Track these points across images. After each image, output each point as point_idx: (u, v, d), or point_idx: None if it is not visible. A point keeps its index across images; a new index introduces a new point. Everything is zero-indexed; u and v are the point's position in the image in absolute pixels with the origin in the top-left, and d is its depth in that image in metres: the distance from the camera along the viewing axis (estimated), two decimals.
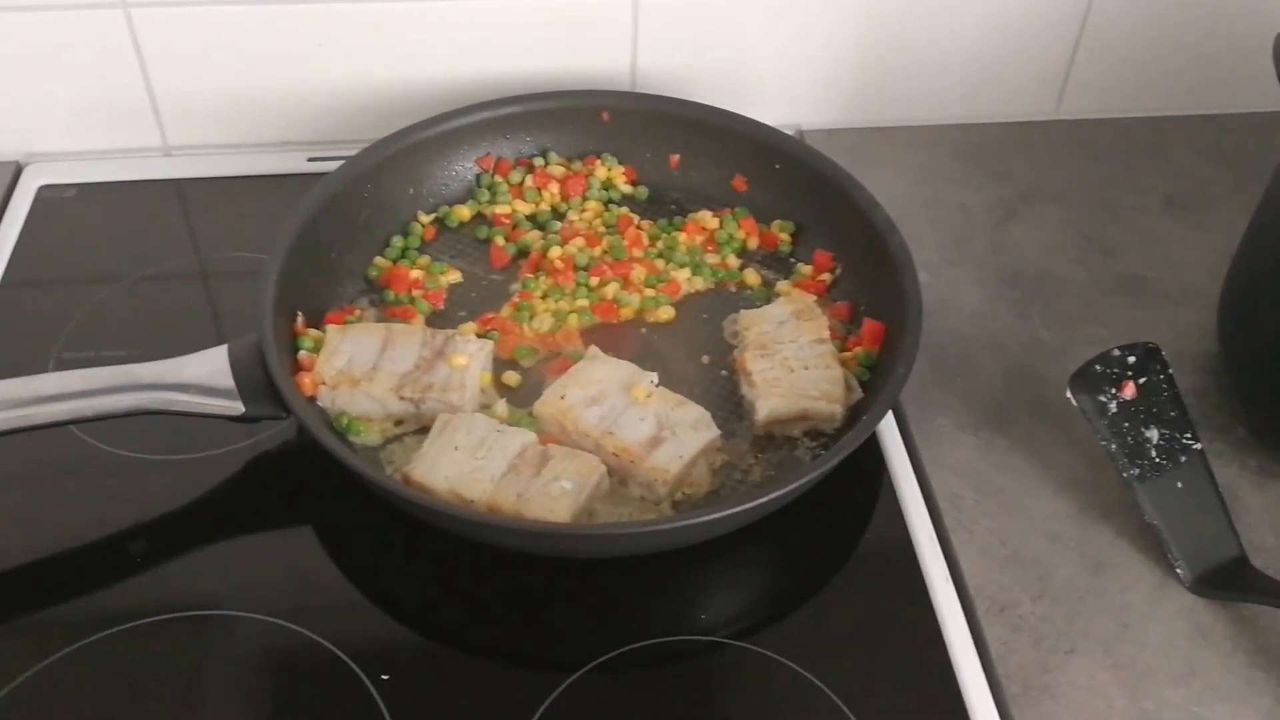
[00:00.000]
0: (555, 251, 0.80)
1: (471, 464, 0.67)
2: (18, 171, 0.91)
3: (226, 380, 0.68)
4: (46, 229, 0.87)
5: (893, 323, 0.72)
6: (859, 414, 0.70)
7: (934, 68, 0.92)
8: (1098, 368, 0.67)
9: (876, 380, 0.71)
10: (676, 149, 0.86)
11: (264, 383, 0.68)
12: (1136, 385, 0.67)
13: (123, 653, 0.63)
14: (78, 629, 0.63)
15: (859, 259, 0.78)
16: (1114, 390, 0.67)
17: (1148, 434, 0.67)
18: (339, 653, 0.62)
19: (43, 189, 0.90)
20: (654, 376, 0.71)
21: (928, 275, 0.81)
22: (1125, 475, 0.66)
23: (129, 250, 0.86)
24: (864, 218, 0.76)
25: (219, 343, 0.69)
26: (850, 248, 0.79)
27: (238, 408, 0.68)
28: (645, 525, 0.65)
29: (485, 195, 0.85)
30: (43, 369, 0.76)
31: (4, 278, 0.83)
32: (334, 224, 0.78)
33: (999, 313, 0.81)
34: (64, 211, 0.89)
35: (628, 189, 0.86)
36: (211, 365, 0.68)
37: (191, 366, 0.68)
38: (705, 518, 0.63)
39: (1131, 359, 0.67)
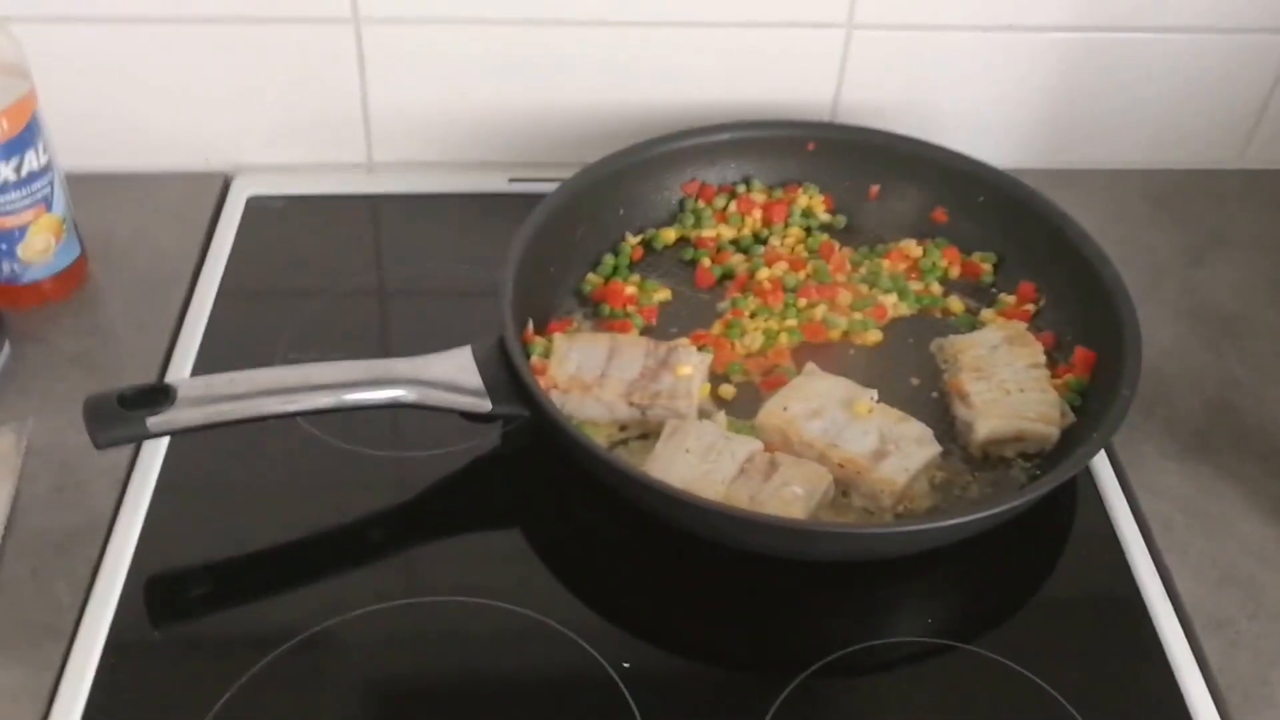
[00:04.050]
0: (764, 273, 0.90)
1: (703, 467, 0.76)
2: (227, 184, 1.03)
3: (474, 378, 0.78)
4: (258, 239, 0.98)
5: (1103, 351, 0.81)
6: (1071, 437, 0.78)
7: (1122, 113, 1.03)
8: None
9: (1090, 405, 0.80)
10: (877, 179, 0.96)
11: (507, 381, 0.77)
12: None
13: (355, 639, 0.71)
14: (313, 616, 0.71)
15: (1064, 290, 0.87)
16: None
17: None
18: (578, 639, 0.71)
19: (254, 200, 1.01)
20: (874, 393, 0.80)
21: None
22: None
23: (335, 262, 0.96)
24: (1073, 249, 0.86)
25: (431, 351, 0.78)
26: (1055, 279, 0.88)
27: (485, 405, 0.77)
28: (893, 526, 0.75)
29: (690, 219, 0.95)
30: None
31: (221, 286, 0.93)
32: (553, 240, 0.88)
33: (1194, 350, 0.90)
34: (273, 223, 1.00)
35: (826, 217, 0.96)
36: (458, 363, 0.78)
37: (439, 364, 0.78)
38: (946, 523, 0.72)
39: None
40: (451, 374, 0.78)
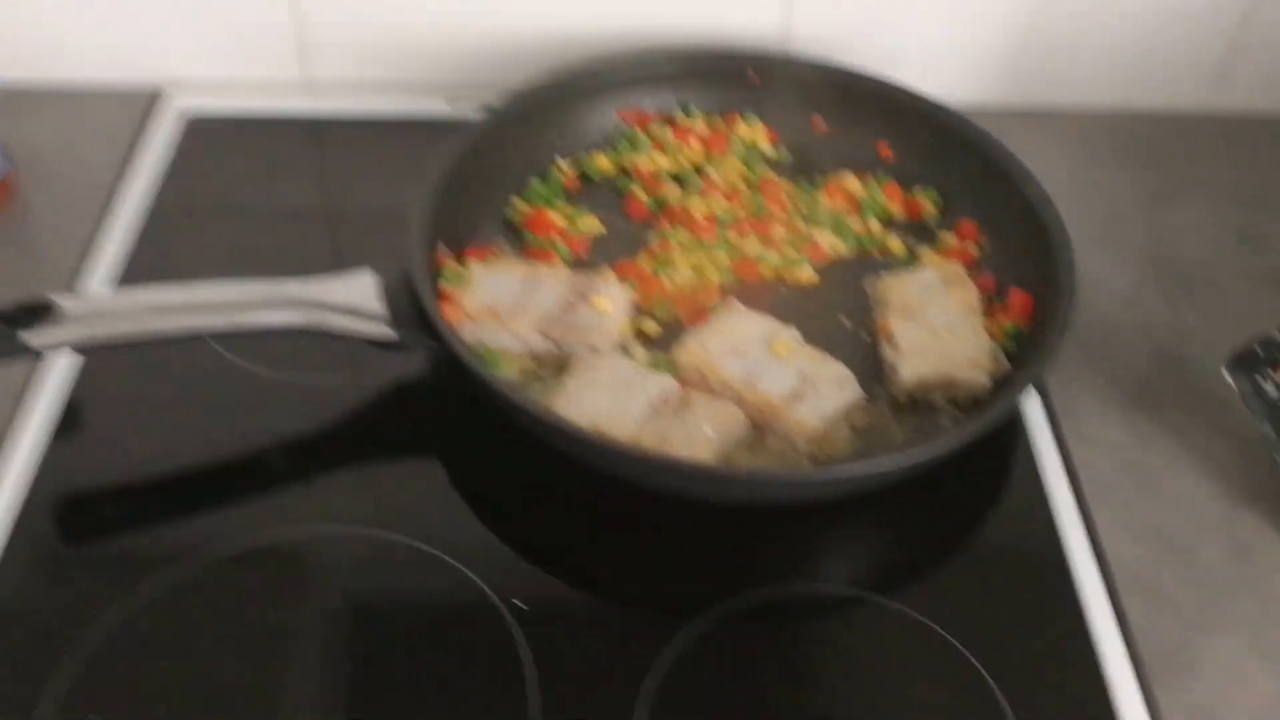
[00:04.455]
0: (696, 206, 0.85)
1: (614, 403, 0.71)
2: (157, 99, 0.98)
3: (376, 305, 0.73)
4: (190, 156, 0.93)
5: (1042, 297, 0.76)
6: (1003, 386, 0.74)
7: (1091, 50, 0.95)
8: (1258, 349, 0.70)
9: (1024, 353, 0.75)
10: (821, 111, 0.90)
11: (413, 310, 0.73)
12: None
13: (251, 570, 0.68)
14: (210, 543, 0.68)
15: (1008, 232, 0.81)
16: (1272, 373, 0.70)
17: None
18: (472, 576, 0.67)
19: (184, 116, 0.96)
20: (795, 332, 0.76)
21: (1075, 256, 0.85)
22: (1278, 459, 0.70)
23: (267, 184, 0.92)
24: (1017, 190, 0.80)
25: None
26: (999, 220, 0.82)
27: (388, 333, 0.73)
28: (797, 474, 0.69)
29: (626, 147, 0.89)
30: None
31: (151, 204, 0.89)
32: (478, 164, 0.83)
33: (1147, 298, 0.84)
34: (207, 139, 0.95)
35: (769, 150, 0.90)
36: (362, 289, 0.73)
37: (339, 287, 0.73)
38: (852, 471, 0.67)
39: None
40: (352, 298, 0.73)
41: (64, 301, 0.69)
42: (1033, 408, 0.77)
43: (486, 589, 0.67)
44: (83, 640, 0.64)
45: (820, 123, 0.90)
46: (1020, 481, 0.74)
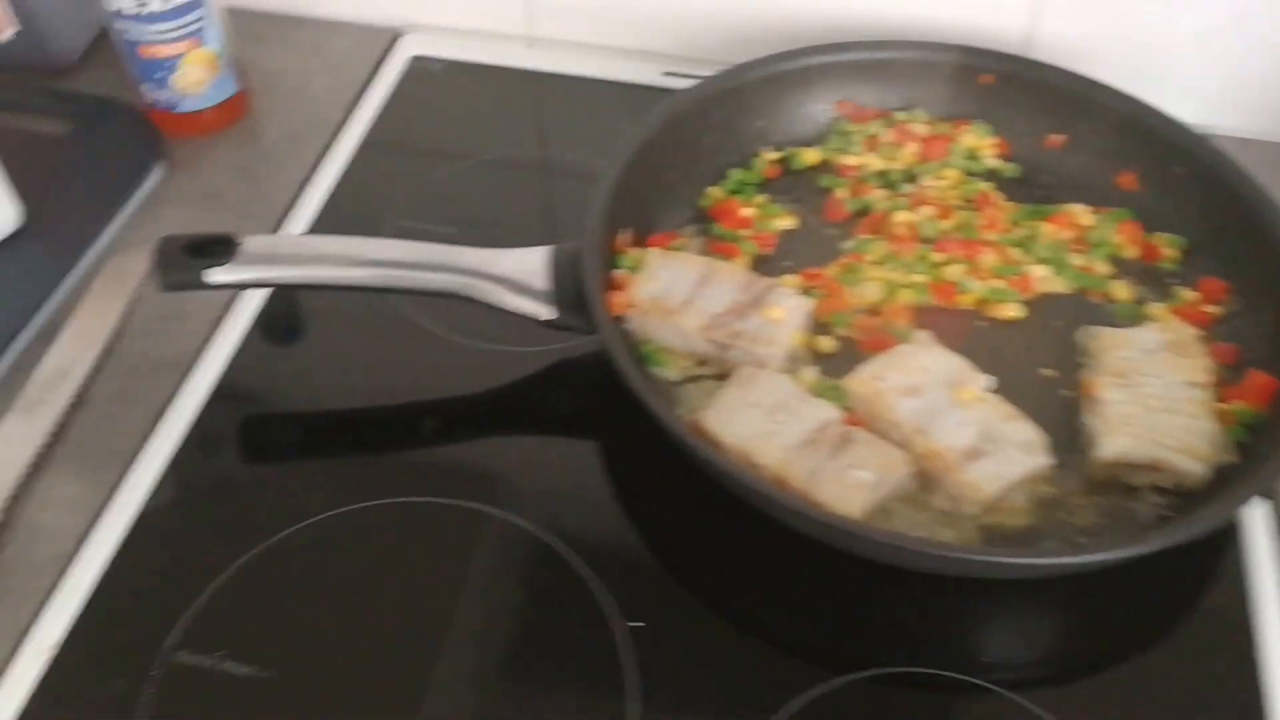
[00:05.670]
0: (900, 216, 0.70)
1: (767, 426, 0.59)
2: (395, 38, 0.90)
3: (542, 282, 0.63)
4: (411, 98, 0.86)
5: None
6: (1225, 480, 0.56)
7: None
8: None
9: (1257, 448, 0.57)
10: (1062, 128, 0.72)
11: (577, 293, 0.62)
12: None
13: (387, 523, 0.60)
14: (352, 492, 0.61)
15: (1261, 298, 0.63)
16: None
17: None
18: (596, 578, 0.57)
19: (415, 59, 0.89)
20: (988, 380, 0.60)
21: None
22: None
23: (480, 131, 0.83)
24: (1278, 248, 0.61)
25: (545, 240, 0.65)
26: (1252, 282, 0.64)
27: (546, 312, 0.63)
28: (946, 549, 0.55)
29: (836, 142, 0.75)
30: (378, 231, 0.75)
31: (365, 138, 0.82)
32: (677, 144, 0.71)
33: None
34: (429, 84, 0.87)
35: (995, 163, 0.73)
36: (531, 264, 0.64)
37: (511, 261, 0.64)
38: (1018, 560, 0.53)
39: None
40: (520, 273, 0.63)
41: (246, 241, 0.63)
42: (1253, 516, 0.59)
43: (599, 586, 0.57)
44: (221, 572, 0.58)
45: (1056, 140, 0.73)
46: (1220, 595, 0.57)
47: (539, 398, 0.67)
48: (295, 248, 0.64)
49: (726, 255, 0.69)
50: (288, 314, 0.72)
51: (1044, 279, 0.67)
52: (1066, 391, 0.62)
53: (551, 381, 0.68)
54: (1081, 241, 0.68)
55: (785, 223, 0.72)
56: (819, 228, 0.72)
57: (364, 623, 0.57)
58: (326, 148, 0.82)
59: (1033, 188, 0.72)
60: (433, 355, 0.68)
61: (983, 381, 0.60)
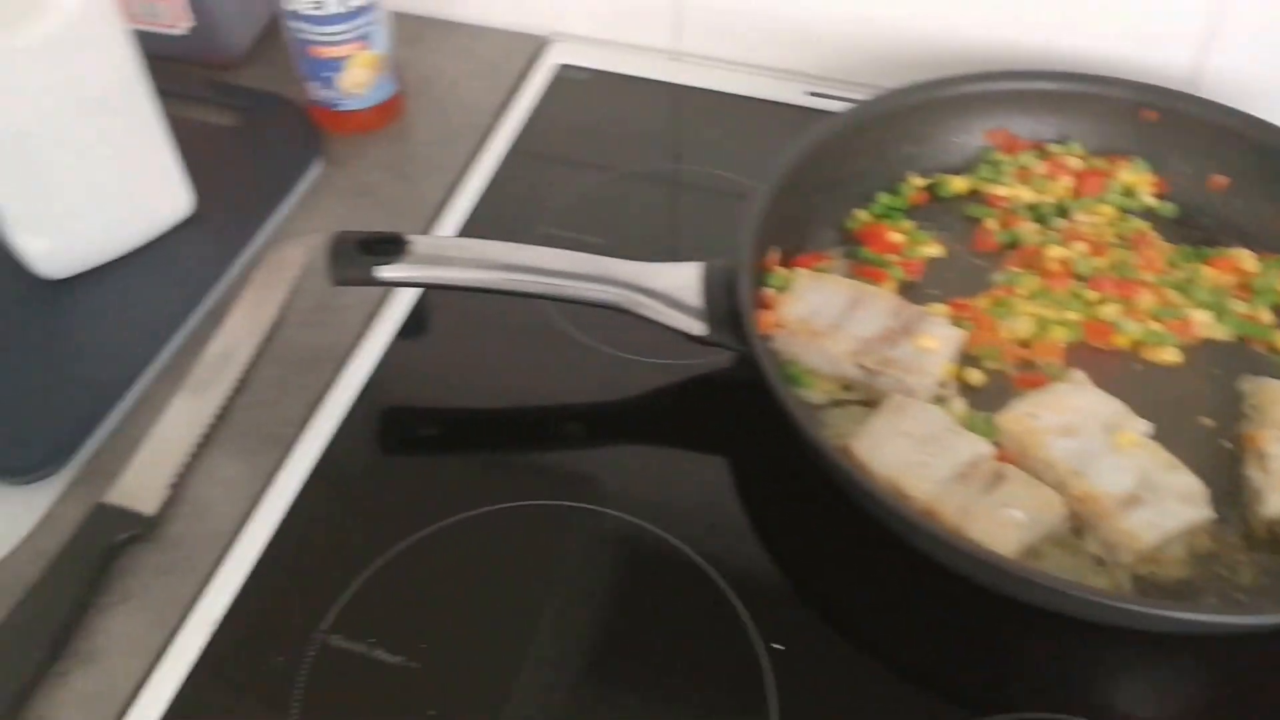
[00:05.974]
0: (1054, 251, 0.66)
1: (918, 457, 0.57)
2: (542, 46, 0.90)
3: (695, 298, 0.62)
4: (556, 106, 0.85)
5: None
6: None
7: None
8: None
9: None
10: (1226, 170, 0.68)
11: (729, 310, 0.61)
12: None
13: (529, 525, 0.60)
14: (494, 492, 0.61)
15: None
16: None
17: None
18: (736, 596, 0.56)
19: (562, 68, 0.88)
20: (1148, 425, 0.57)
21: None
22: None
23: (623, 143, 0.82)
24: None
25: (684, 255, 0.63)
26: None
27: (698, 327, 0.61)
28: (1113, 598, 0.52)
29: (986, 171, 0.72)
30: (526, 237, 0.74)
31: (513, 144, 0.82)
32: (827, 166, 0.69)
33: None
34: (574, 93, 0.86)
35: (1152, 202, 0.70)
36: (685, 280, 0.63)
37: (664, 275, 0.63)
38: (1182, 615, 0.49)
39: None
40: (674, 288, 0.62)
41: (415, 241, 0.63)
42: None
43: (739, 605, 0.55)
44: (369, 563, 0.58)
45: (1220, 181, 0.69)
46: None
47: (674, 410, 0.66)
48: (461, 250, 0.63)
49: (872, 280, 0.67)
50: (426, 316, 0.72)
51: (1205, 324, 0.63)
52: (1226, 442, 0.59)
53: (687, 395, 0.66)
54: (1245, 288, 0.65)
55: (932, 250, 0.69)
56: (966, 257, 0.69)
57: (507, 623, 0.56)
58: (475, 151, 0.81)
59: (1191, 229, 0.69)
60: (570, 359, 0.67)
61: (1141, 426, 0.57)
